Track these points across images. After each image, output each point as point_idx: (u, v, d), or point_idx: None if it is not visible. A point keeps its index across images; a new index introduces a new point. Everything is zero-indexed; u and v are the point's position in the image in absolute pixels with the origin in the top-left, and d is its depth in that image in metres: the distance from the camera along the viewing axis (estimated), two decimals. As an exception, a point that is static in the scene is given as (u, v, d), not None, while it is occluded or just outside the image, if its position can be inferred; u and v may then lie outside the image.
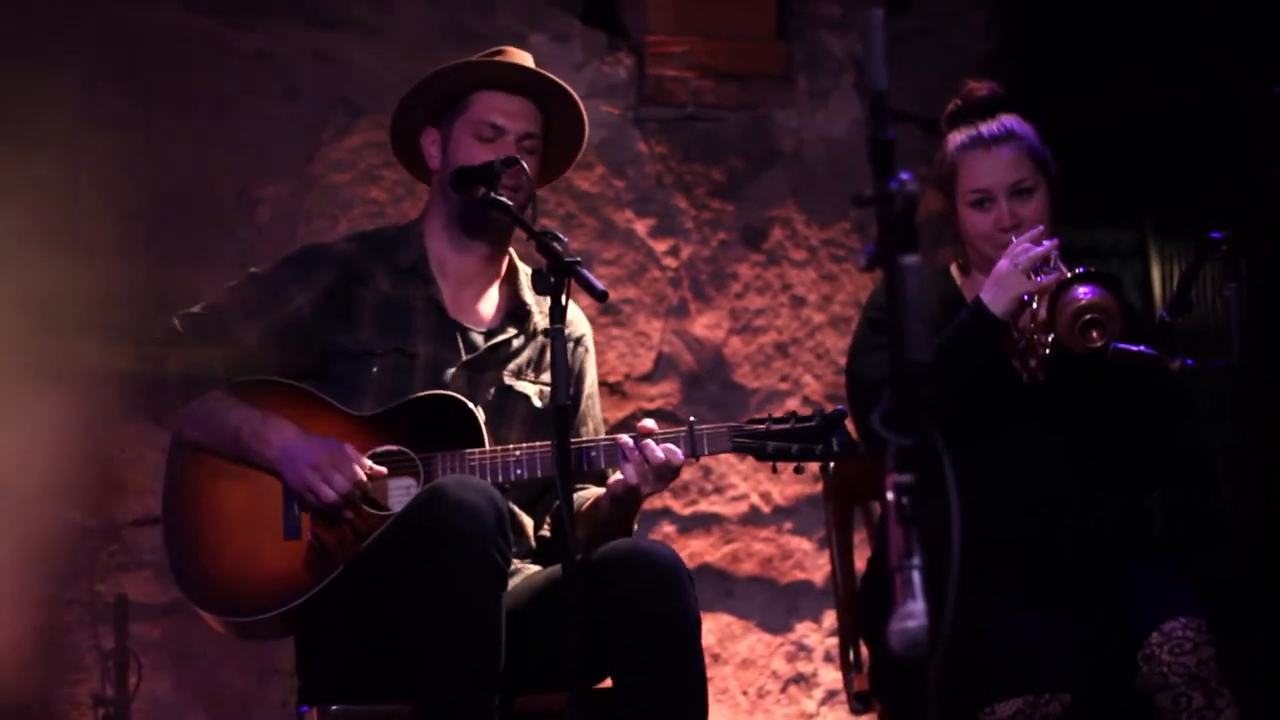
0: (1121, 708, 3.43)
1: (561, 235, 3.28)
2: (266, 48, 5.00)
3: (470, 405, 3.47)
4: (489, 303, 3.68)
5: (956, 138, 3.65)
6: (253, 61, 4.98)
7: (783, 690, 5.33)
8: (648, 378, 5.30)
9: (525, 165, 3.51)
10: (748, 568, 5.33)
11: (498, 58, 3.65)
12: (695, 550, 5.23)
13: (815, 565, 5.35)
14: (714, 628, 5.23)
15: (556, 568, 3.45)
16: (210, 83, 4.85)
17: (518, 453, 3.44)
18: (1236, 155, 5.11)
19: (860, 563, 3.96)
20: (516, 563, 3.48)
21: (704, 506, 5.31)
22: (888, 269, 2.09)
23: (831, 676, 5.33)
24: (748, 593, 5.33)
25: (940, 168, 3.67)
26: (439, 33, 5.12)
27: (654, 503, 5.17)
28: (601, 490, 3.54)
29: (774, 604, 5.35)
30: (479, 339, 3.62)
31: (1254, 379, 3.35)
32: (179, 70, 4.72)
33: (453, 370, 3.56)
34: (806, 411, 3.50)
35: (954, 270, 3.76)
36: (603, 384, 5.13)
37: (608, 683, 3.40)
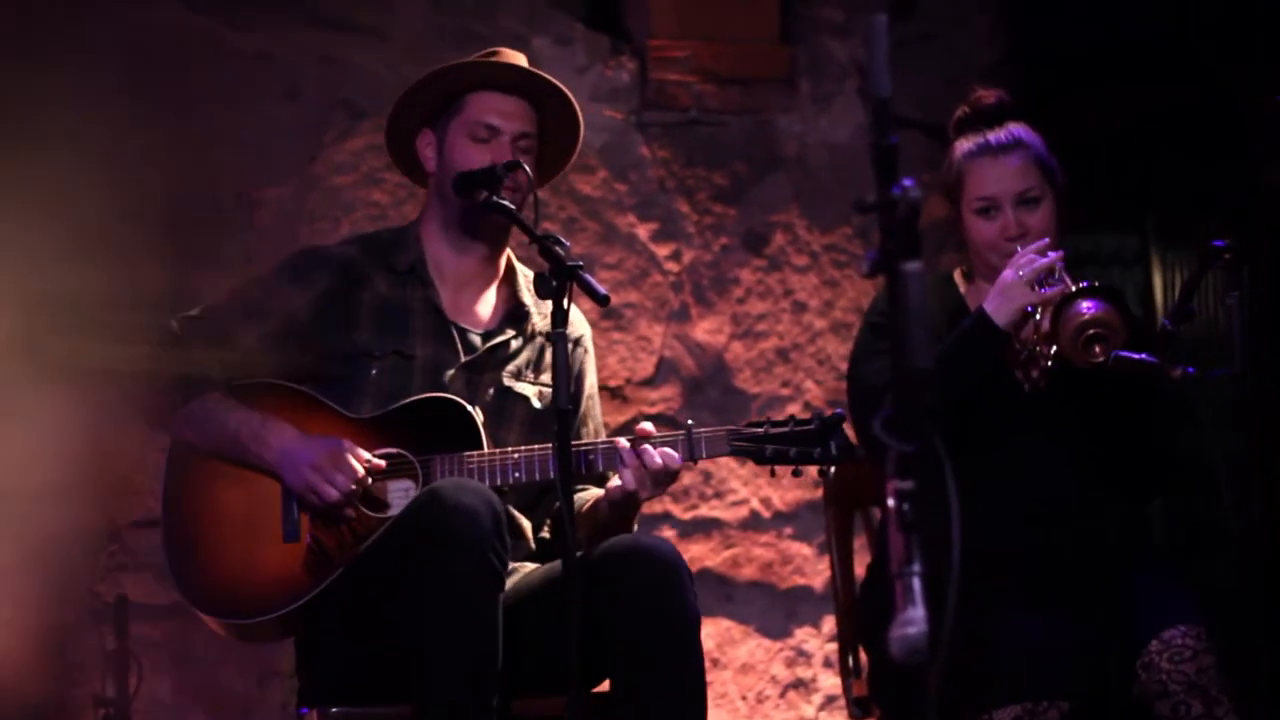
0: (1121, 715, 3.43)
1: (563, 239, 3.28)
2: (267, 48, 5.00)
3: (469, 408, 3.47)
4: (487, 304, 3.68)
5: (964, 145, 3.64)
6: (253, 62, 4.98)
7: (781, 695, 5.32)
8: (649, 382, 5.30)
9: (528, 169, 3.51)
10: (748, 573, 5.33)
11: (492, 58, 3.65)
12: (695, 555, 5.23)
13: (815, 570, 5.34)
14: (713, 632, 5.23)
15: (555, 564, 3.45)
16: (211, 83, 4.85)
17: (516, 455, 3.44)
18: (1239, 160, 5.11)
19: (860, 568, 3.96)
20: (515, 564, 3.48)
21: (704, 511, 5.31)
22: (890, 275, 2.09)
23: (830, 682, 5.33)
24: (747, 598, 5.33)
25: (946, 175, 3.67)
26: (441, 35, 5.12)
27: (654, 507, 5.17)
28: (601, 492, 3.54)
29: (774, 609, 5.35)
30: (477, 340, 3.62)
31: (1256, 387, 3.35)
32: (179, 70, 4.72)
33: (451, 372, 3.56)
34: (806, 416, 3.50)
35: (958, 277, 3.75)
36: (604, 388, 5.13)
37: (606, 686, 3.40)
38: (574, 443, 3.41)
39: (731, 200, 5.44)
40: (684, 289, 5.37)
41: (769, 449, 3.46)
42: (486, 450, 3.45)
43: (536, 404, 3.62)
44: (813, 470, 3.57)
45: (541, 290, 3.24)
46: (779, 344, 5.43)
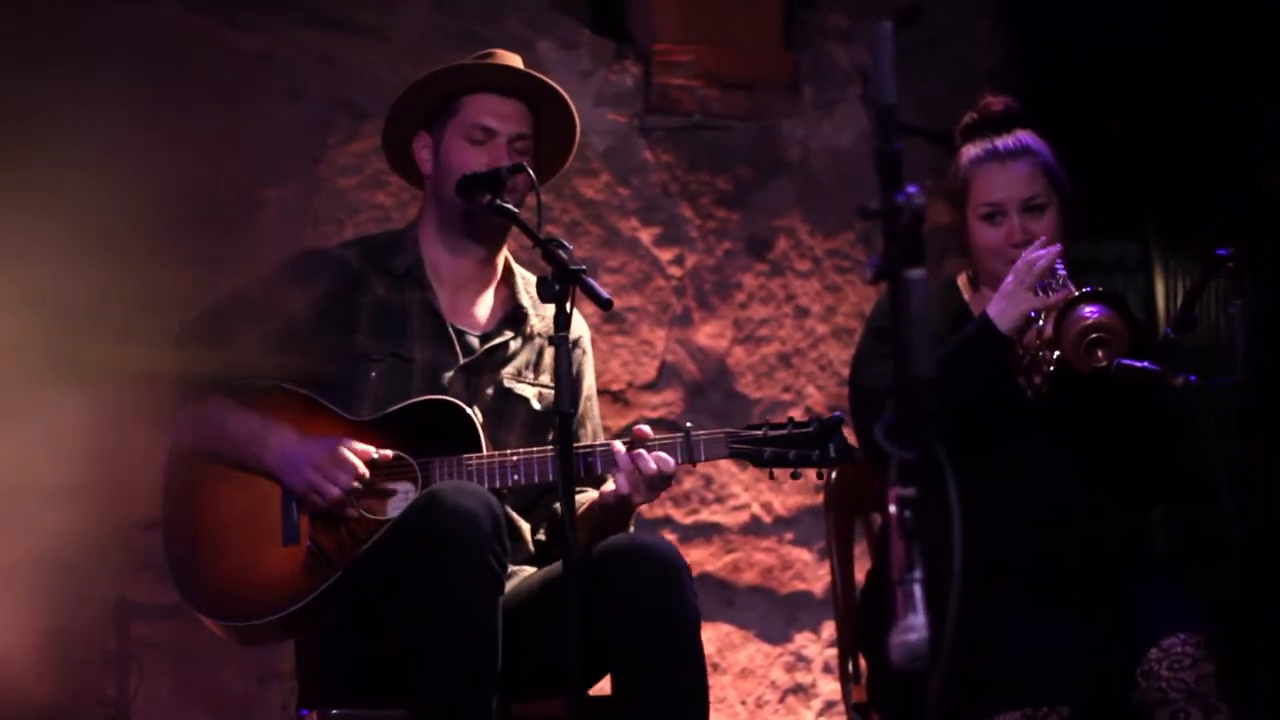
0: (1120, 723, 3.44)
1: (566, 243, 3.28)
2: (268, 49, 5.00)
3: (467, 410, 3.47)
4: (485, 306, 3.68)
5: (971, 151, 3.65)
6: (254, 62, 4.98)
7: (781, 700, 5.32)
8: (651, 386, 5.30)
9: (531, 172, 3.51)
10: (748, 577, 5.33)
11: (488, 60, 3.65)
12: (696, 559, 5.23)
13: (815, 576, 5.34)
14: (713, 637, 5.23)
15: (555, 565, 3.46)
16: (212, 83, 4.85)
17: (515, 458, 3.44)
18: (1239, 164, 5.12)
19: (860, 574, 3.96)
20: (514, 567, 3.48)
21: (705, 516, 5.31)
22: (893, 282, 2.09)
23: (830, 687, 5.33)
24: (748, 602, 5.33)
25: (952, 180, 3.67)
26: (444, 37, 5.12)
27: (655, 511, 5.17)
28: (597, 495, 3.55)
29: (774, 614, 5.35)
30: (475, 342, 3.62)
31: (1258, 396, 3.35)
32: (180, 70, 4.72)
33: (450, 374, 3.56)
34: (804, 419, 3.51)
35: (962, 283, 3.76)
36: (606, 392, 5.13)
37: (606, 689, 3.40)
38: (575, 445, 3.41)
39: (734, 205, 5.44)
40: (686, 293, 5.37)
41: (767, 451, 3.47)
42: (485, 452, 3.45)
43: (536, 405, 3.62)
44: (812, 473, 3.57)
45: (544, 294, 3.24)
46: (781, 349, 5.43)
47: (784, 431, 3.47)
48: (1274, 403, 3.46)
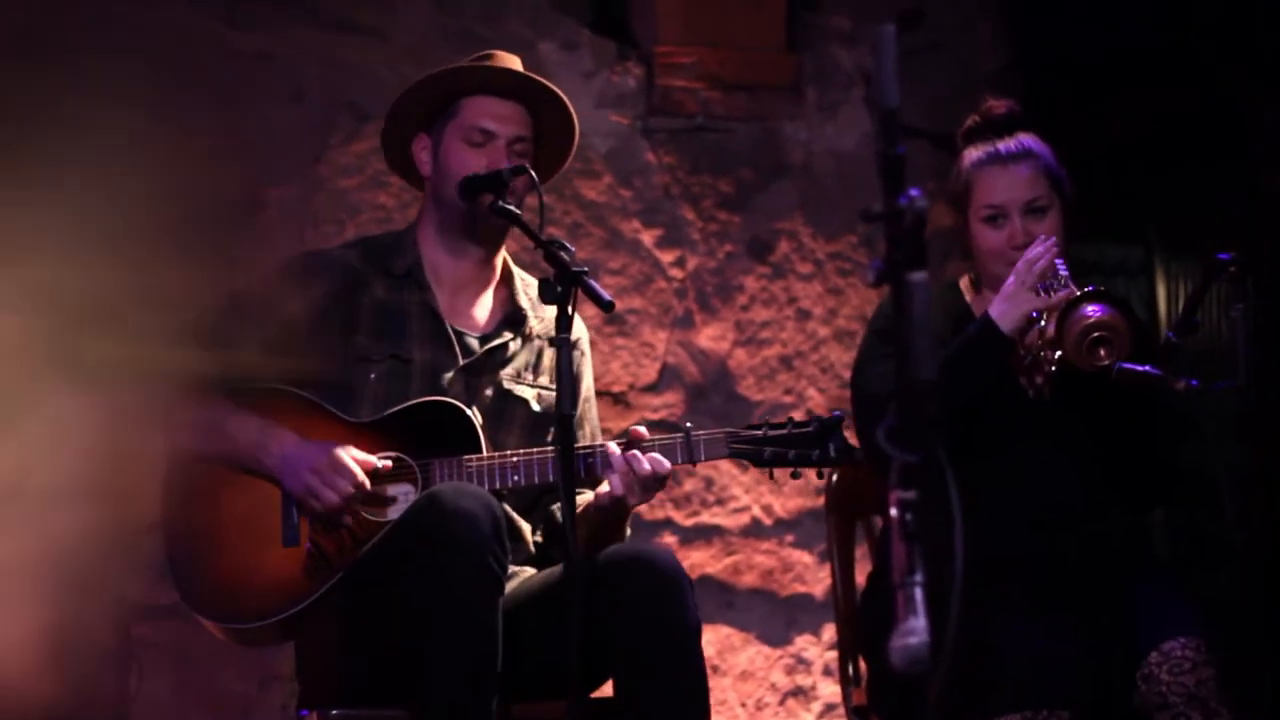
0: (1120, 727, 3.44)
1: (568, 244, 3.28)
2: (269, 49, 4.99)
3: (467, 411, 3.47)
4: (484, 307, 3.68)
5: (973, 154, 3.65)
6: (255, 62, 4.98)
7: (781, 703, 5.32)
8: (652, 388, 5.29)
9: (534, 175, 3.51)
10: (748, 580, 5.33)
11: (487, 62, 3.65)
12: (696, 561, 5.23)
13: (816, 578, 5.34)
14: (713, 639, 5.22)
15: (556, 569, 3.46)
16: (213, 83, 4.85)
17: (515, 459, 3.45)
18: (1241, 167, 5.11)
19: (861, 577, 3.96)
20: (514, 568, 3.48)
21: (706, 518, 5.31)
22: (896, 285, 2.09)
23: (830, 690, 5.32)
24: (748, 605, 5.32)
25: (954, 183, 3.67)
26: (446, 39, 5.11)
27: (656, 513, 5.17)
28: (593, 496, 3.55)
29: (774, 616, 5.34)
30: (475, 344, 3.62)
31: (1260, 400, 3.35)
32: (181, 70, 4.72)
33: (450, 375, 3.57)
34: (804, 418, 3.51)
35: (964, 286, 3.76)
36: (607, 394, 5.13)
37: (606, 692, 3.41)
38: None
39: (736, 207, 5.44)
40: (688, 295, 5.37)
41: (767, 451, 3.47)
42: (485, 453, 3.45)
43: (535, 407, 3.62)
44: (812, 474, 3.57)
45: (546, 296, 3.24)
46: (782, 351, 5.43)
47: (784, 431, 3.48)
48: (1275, 407, 3.46)
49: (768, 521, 5.35)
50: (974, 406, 3.48)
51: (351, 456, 3.39)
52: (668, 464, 3.42)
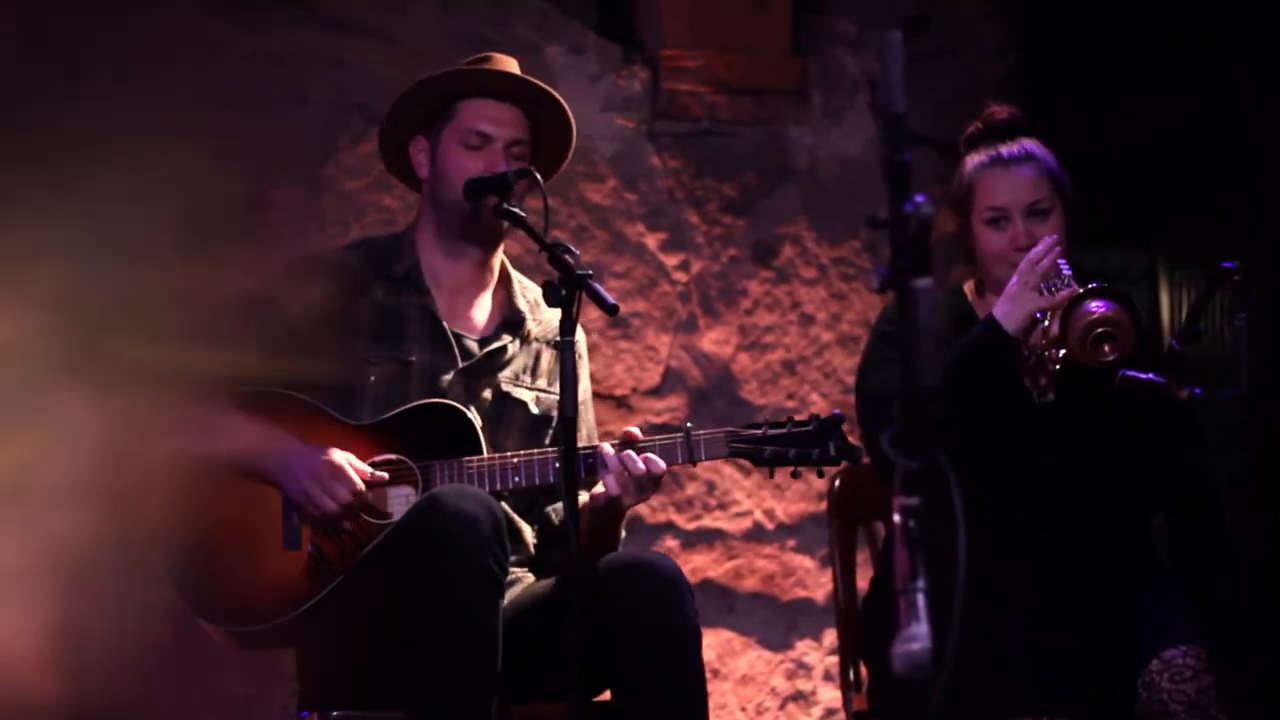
0: (1121, 734, 3.44)
1: (573, 248, 3.28)
2: (279, 51, 5.00)
3: (467, 413, 3.48)
4: (482, 310, 3.68)
5: (975, 158, 3.66)
6: (265, 65, 4.98)
7: (781, 707, 5.32)
8: (655, 392, 5.30)
9: (538, 176, 3.52)
10: (750, 584, 5.33)
11: (484, 65, 3.65)
12: (698, 565, 5.23)
13: (817, 583, 5.34)
14: (714, 643, 5.22)
15: (558, 578, 3.47)
16: (223, 85, 4.85)
17: (515, 460, 3.45)
18: (1245, 175, 5.11)
19: (862, 582, 3.96)
20: (516, 571, 3.49)
21: (707, 522, 5.31)
22: (901, 291, 2.09)
23: (830, 695, 5.32)
24: (749, 609, 5.32)
25: (957, 187, 3.68)
26: (453, 41, 5.12)
27: (658, 517, 5.18)
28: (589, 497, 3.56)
29: (775, 621, 5.34)
30: (474, 346, 3.62)
31: (1262, 408, 3.35)
32: (192, 72, 4.72)
33: (449, 377, 3.57)
34: (804, 418, 3.51)
35: (968, 289, 3.76)
36: (610, 397, 5.13)
37: (606, 695, 3.41)
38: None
39: (741, 211, 5.44)
40: (692, 299, 5.37)
41: (767, 450, 3.47)
42: (485, 455, 3.46)
43: (534, 409, 3.63)
44: (813, 475, 3.57)
45: (551, 298, 3.24)
46: (785, 356, 5.43)
47: (783, 431, 3.48)
48: (1277, 415, 3.46)
49: (770, 526, 5.35)
50: (978, 407, 3.49)
51: (351, 464, 3.40)
52: (662, 464, 3.42)
